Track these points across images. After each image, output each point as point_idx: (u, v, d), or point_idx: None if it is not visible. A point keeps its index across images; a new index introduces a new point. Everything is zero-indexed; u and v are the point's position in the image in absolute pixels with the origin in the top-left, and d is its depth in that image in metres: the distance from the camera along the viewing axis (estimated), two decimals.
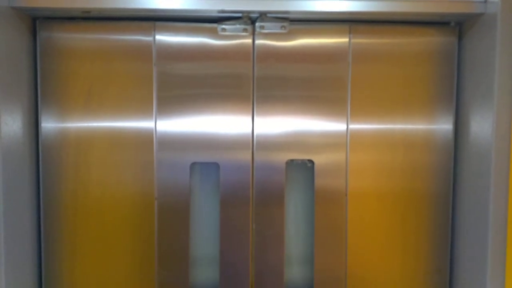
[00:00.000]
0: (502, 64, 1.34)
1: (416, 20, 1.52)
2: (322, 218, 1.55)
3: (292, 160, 1.56)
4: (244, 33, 1.51)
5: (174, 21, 1.50)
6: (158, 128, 1.52)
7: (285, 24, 1.50)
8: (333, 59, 1.52)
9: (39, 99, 1.50)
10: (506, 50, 1.34)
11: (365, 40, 1.52)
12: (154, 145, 1.52)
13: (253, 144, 1.53)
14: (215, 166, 1.54)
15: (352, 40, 1.52)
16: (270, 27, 1.50)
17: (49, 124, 1.51)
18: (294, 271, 1.61)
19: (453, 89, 1.56)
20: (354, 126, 1.54)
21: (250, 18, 1.49)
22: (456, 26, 1.55)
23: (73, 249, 1.53)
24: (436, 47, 1.54)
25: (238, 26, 1.50)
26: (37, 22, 1.49)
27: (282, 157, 1.54)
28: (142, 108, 1.51)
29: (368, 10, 1.39)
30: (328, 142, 1.54)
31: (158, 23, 1.50)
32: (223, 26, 1.50)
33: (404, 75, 1.54)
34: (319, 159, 1.54)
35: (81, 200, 1.52)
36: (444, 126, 1.56)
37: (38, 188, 1.52)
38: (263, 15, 1.48)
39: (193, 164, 1.54)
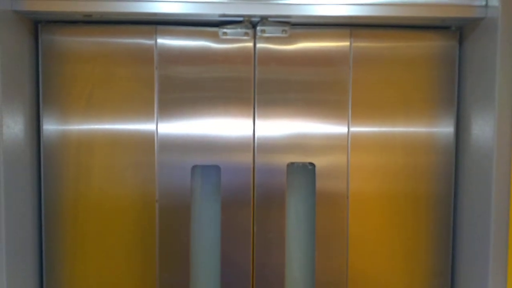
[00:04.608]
0: (503, 68, 1.35)
1: (417, 25, 1.52)
2: (323, 220, 1.55)
3: (293, 163, 1.56)
4: (245, 37, 1.51)
5: (176, 25, 1.50)
6: (159, 131, 1.52)
7: (286, 28, 1.50)
8: (334, 63, 1.52)
9: (41, 102, 1.50)
10: (506, 54, 1.34)
11: (366, 44, 1.53)
12: (156, 148, 1.52)
13: (254, 147, 1.53)
14: (216, 168, 1.54)
15: (353, 44, 1.53)
16: (271, 31, 1.51)
17: (50, 127, 1.51)
18: (296, 274, 1.61)
19: (454, 92, 1.56)
20: (355, 129, 1.54)
21: (251, 22, 1.50)
22: (457, 30, 1.55)
23: (74, 252, 1.53)
24: (437, 51, 1.54)
25: (239, 30, 1.51)
26: (39, 25, 1.49)
27: (283, 160, 1.54)
28: (143, 111, 1.51)
29: (369, 15, 1.39)
30: (329, 145, 1.54)
31: (159, 27, 1.50)
32: (225, 30, 1.50)
33: (405, 79, 1.54)
34: (320, 162, 1.54)
35: (82, 203, 1.52)
36: (445, 129, 1.56)
37: (40, 190, 1.52)
38: (264, 19, 1.48)
39: (194, 167, 1.54)
